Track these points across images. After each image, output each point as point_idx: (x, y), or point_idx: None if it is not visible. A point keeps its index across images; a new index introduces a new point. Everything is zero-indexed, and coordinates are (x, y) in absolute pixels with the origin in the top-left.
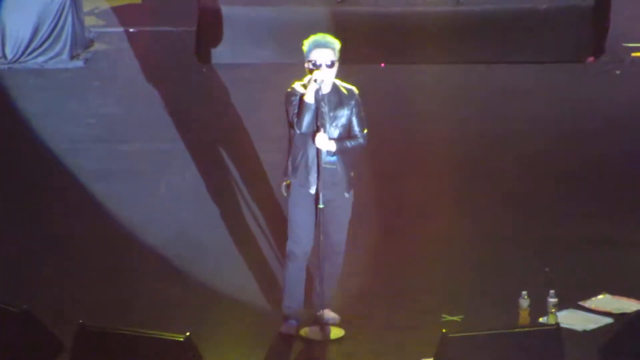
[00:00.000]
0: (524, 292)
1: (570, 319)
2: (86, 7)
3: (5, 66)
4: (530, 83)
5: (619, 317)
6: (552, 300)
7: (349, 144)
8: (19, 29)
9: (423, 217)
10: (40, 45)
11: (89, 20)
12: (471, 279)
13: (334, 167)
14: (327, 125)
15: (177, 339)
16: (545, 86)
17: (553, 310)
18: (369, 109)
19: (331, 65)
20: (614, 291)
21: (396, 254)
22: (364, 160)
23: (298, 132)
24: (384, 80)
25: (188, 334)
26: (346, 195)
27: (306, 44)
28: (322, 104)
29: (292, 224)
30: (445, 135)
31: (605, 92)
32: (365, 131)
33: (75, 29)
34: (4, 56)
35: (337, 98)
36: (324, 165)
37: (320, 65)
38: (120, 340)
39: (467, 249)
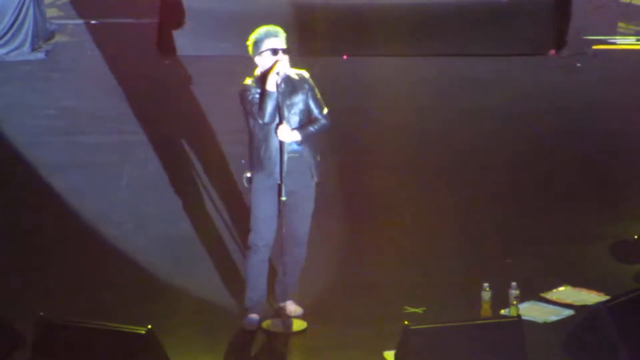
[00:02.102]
0: (486, 284)
1: (532, 311)
2: None
3: None
4: (492, 76)
5: (581, 309)
6: (514, 292)
7: (312, 128)
8: None
9: (385, 209)
10: (2, 37)
11: (50, 12)
12: (433, 271)
13: (298, 155)
14: (286, 114)
15: (138, 331)
16: (507, 79)
17: (515, 302)
18: (332, 101)
19: (286, 52)
20: (575, 283)
21: (359, 246)
22: (328, 152)
23: (261, 122)
24: (346, 72)
25: (149, 326)
26: (312, 181)
27: (255, 36)
28: (279, 93)
29: (255, 216)
30: (408, 127)
31: (565, 84)
32: (325, 111)
33: (37, 21)
34: None
35: (290, 85)
36: (289, 155)
37: (277, 52)
38: (81, 333)
39: (428, 241)
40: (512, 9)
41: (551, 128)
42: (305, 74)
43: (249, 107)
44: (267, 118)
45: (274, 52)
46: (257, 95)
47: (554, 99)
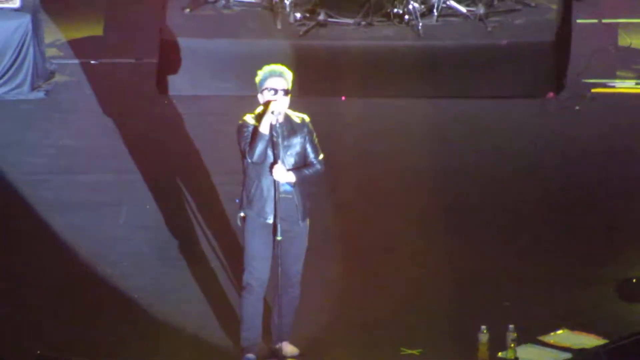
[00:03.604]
0: (483, 327)
1: (529, 354)
2: (47, 39)
3: None
4: (490, 118)
5: (578, 352)
6: (512, 334)
7: (307, 171)
8: None
9: (384, 250)
10: (2, 77)
11: (50, 52)
12: (431, 313)
13: (290, 196)
14: (282, 155)
15: None
16: (506, 121)
17: (512, 345)
18: (330, 142)
19: (286, 93)
20: (573, 326)
21: (356, 287)
22: (324, 192)
23: (250, 161)
24: (344, 113)
25: None
26: (301, 224)
27: (261, 74)
28: (275, 133)
29: (249, 255)
30: (406, 168)
31: (564, 127)
32: (321, 157)
33: (37, 61)
34: None
35: (289, 127)
36: (280, 195)
37: (277, 92)
38: None
39: (427, 282)
40: (511, 51)
41: (549, 170)
42: (306, 117)
43: (243, 143)
44: (255, 157)
45: (274, 92)
46: None
47: (553, 142)
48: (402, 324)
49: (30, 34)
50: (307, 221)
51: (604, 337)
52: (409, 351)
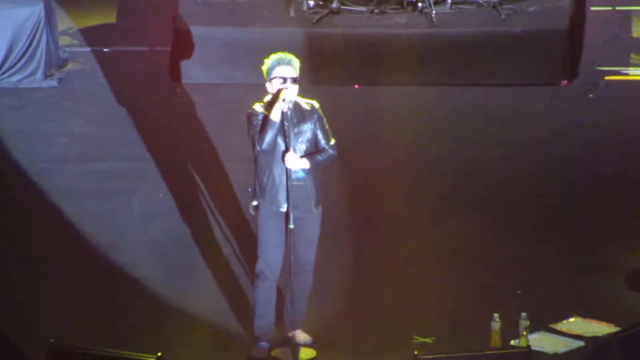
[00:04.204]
0: (496, 315)
1: (542, 342)
2: (60, 27)
3: None
4: (504, 106)
5: (591, 340)
6: (524, 322)
7: (320, 157)
8: None
9: (396, 238)
10: (15, 65)
11: (63, 40)
12: (443, 301)
13: (302, 183)
14: (293, 142)
15: (149, 359)
16: (519, 109)
17: (524, 332)
18: (343, 130)
19: (295, 81)
20: (586, 314)
21: (368, 275)
22: (338, 180)
23: (259, 149)
24: (358, 101)
25: (159, 354)
26: (314, 210)
27: (268, 62)
28: (286, 122)
29: (262, 243)
30: (419, 156)
31: (578, 115)
32: (333, 142)
33: (50, 49)
34: None
35: (299, 114)
36: (293, 182)
37: (286, 80)
38: None
39: (439, 271)
40: (524, 39)
41: (562, 158)
42: (315, 103)
43: (252, 132)
44: (264, 145)
45: (284, 80)
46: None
47: (566, 130)
48: (415, 312)
49: (43, 21)
50: (320, 208)
51: (616, 325)
52: (422, 339)
